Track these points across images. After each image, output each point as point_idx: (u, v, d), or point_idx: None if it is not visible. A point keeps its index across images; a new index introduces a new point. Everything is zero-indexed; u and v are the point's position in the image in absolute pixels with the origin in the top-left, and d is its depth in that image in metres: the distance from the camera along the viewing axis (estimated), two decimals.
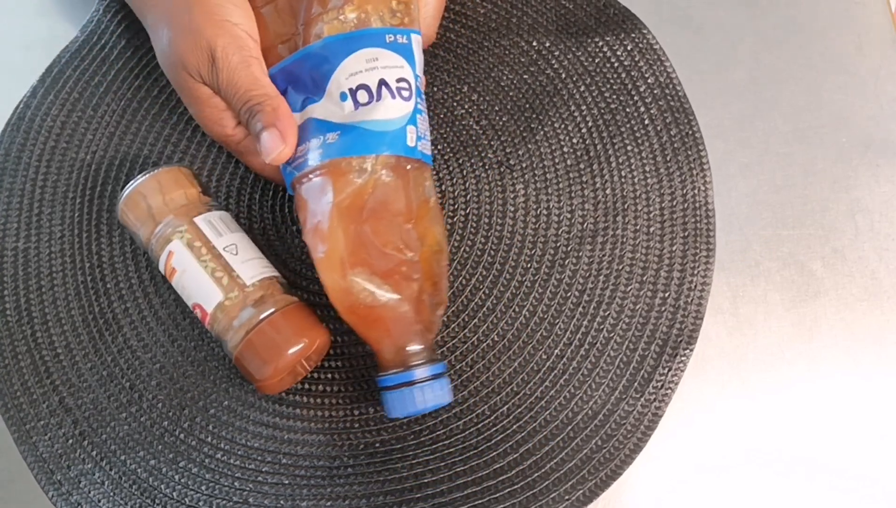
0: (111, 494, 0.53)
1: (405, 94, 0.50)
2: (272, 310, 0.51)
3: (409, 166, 0.51)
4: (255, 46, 0.53)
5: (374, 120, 0.50)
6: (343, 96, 0.50)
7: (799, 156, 0.62)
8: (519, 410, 0.53)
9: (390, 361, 0.49)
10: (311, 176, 0.50)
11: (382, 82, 0.50)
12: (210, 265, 0.51)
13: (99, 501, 0.53)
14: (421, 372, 0.49)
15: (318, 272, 0.50)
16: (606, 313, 0.54)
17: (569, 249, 0.56)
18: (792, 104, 0.63)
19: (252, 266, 0.52)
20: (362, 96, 0.50)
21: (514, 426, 0.53)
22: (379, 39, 0.51)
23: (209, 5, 0.52)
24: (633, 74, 0.59)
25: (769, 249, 0.60)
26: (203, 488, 0.52)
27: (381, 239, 0.49)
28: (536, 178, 0.58)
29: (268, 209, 0.59)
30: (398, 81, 0.50)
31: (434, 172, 0.59)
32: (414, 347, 0.49)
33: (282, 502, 0.52)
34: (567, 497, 0.51)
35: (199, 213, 0.53)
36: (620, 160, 0.58)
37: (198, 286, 0.51)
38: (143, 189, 0.53)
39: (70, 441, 0.54)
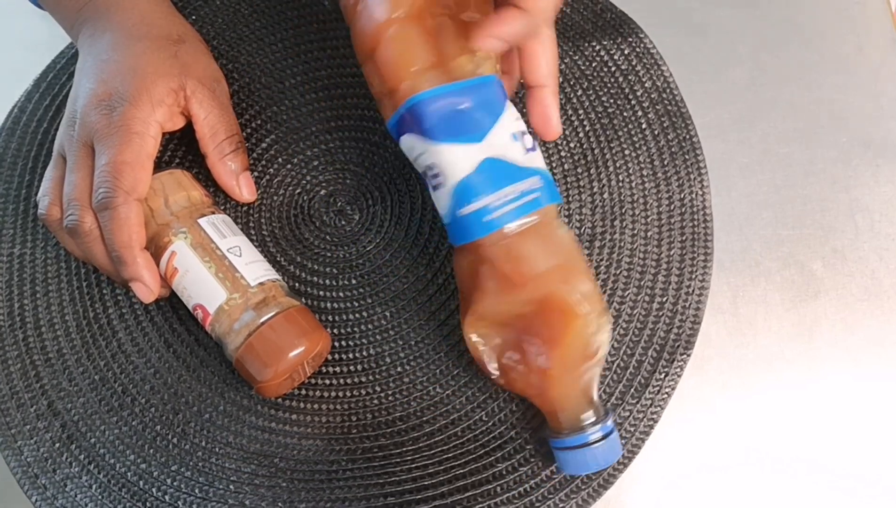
0: (99, 498, 0.53)
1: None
2: (274, 313, 0.50)
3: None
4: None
5: (546, 170, 0.49)
6: (514, 137, 0.48)
7: (799, 156, 0.62)
8: (515, 416, 0.53)
9: (563, 424, 0.49)
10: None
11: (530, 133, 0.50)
12: (214, 266, 0.51)
13: (86, 505, 0.53)
14: (594, 433, 0.48)
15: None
16: None
17: None
18: (792, 104, 0.63)
19: (255, 268, 0.52)
20: (528, 141, 0.49)
21: (511, 433, 0.52)
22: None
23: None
24: (630, 78, 0.59)
25: (769, 249, 0.59)
26: (196, 491, 0.52)
27: None
28: None
29: (266, 216, 0.59)
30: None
31: None
32: (586, 413, 0.48)
33: (279, 504, 0.52)
34: (562, 505, 0.51)
35: (203, 215, 0.53)
36: (618, 165, 0.57)
37: (201, 287, 0.51)
38: None
39: (57, 445, 0.54)
